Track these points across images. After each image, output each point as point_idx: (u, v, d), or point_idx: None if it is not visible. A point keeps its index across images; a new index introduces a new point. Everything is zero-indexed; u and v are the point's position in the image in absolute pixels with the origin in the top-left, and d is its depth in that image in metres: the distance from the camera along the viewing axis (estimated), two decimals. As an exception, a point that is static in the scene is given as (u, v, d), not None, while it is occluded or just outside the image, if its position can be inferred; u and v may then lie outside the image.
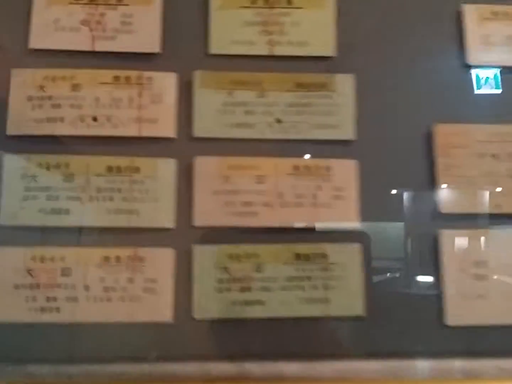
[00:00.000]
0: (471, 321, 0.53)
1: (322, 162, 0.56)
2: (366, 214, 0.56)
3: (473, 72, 0.60)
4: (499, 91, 0.59)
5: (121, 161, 0.55)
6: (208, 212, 0.54)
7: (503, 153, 0.57)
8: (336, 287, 0.54)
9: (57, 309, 0.51)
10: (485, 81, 0.59)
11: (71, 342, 0.52)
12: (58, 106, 0.55)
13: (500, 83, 0.59)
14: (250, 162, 0.56)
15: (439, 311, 0.54)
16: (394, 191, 0.57)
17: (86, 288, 0.52)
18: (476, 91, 0.59)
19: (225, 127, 0.56)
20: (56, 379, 0.51)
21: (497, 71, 0.59)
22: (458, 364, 0.52)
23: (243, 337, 0.53)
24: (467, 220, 0.56)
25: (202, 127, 0.56)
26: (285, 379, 0.52)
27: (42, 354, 0.52)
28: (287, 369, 0.52)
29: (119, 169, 0.54)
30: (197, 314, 0.53)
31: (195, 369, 0.51)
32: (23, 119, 0.55)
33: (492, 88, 0.59)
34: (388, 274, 0.55)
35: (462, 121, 0.58)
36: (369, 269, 0.54)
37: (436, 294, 0.54)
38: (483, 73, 0.60)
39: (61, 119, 0.55)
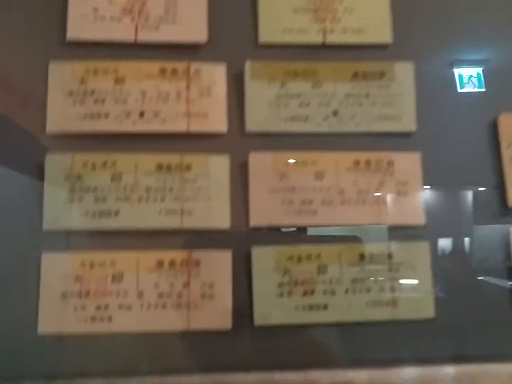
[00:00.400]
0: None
1: (384, 155, 0.53)
2: (430, 209, 0.52)
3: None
4: None
5: (171, 158, 0.51)
6: (265, 211, 0.51)
7: None
8: (403, 289, 0.50)
9: (109, 318, 0.48)
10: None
11: (125, 353, 0.48)
12: (101, 101, 0.51)
13: None
14: (308, 157, 0.52)
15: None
16: (458, 185, 0.53)
17: (140, 294, 0.48)
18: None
19: (279, 120, 0.53)
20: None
21: None
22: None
23: (308, 343, 0.50)
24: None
25: (255, 121, 0.53)
26: (355, 388, 0.48)
27: (93, 368, 0.48)
28: (357, 377, 0.48)
29: (169, 167, 0.51)
30: (258, 320, 0.49)
31: (257, 380, 0.48)
32: (64, 115, 0.51)
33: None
34: (457, 273, 0.51)
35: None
36: (437, 268, 0.51)
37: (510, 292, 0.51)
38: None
39: (106, 115, 0.51)
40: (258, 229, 0.51)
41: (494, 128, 0.54)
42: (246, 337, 0.49)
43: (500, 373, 0.48)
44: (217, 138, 0.52)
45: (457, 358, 0.50)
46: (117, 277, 0.49)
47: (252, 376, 0.48)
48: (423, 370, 0.49)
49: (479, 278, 0.52)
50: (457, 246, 0.53)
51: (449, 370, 0.49)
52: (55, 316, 0.48)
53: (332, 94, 0.54)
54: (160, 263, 0.49)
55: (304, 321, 0.50)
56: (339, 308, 0.50)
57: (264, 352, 0.49)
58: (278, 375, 0.48)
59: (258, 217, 0.51)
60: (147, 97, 0.52)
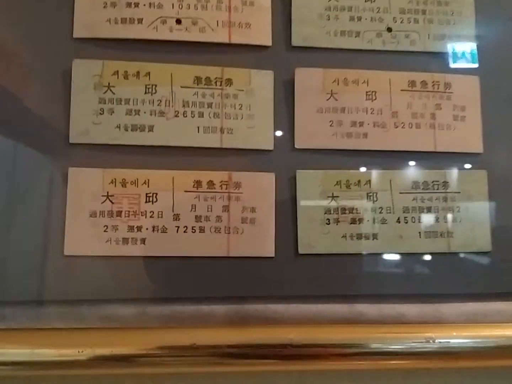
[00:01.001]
0: None
1: (441, 77, 0.48)
2: (488, 136, 0.48)
3: None
4: None
5: (210, 71, 0.46)
6: (311, 132, 0.47)
7: None
8: (458, 219, 0.47)
9: (142, 240, 0.44)
10: None
11: (158, 278, 0.44)
12: (135, 5, 0.46)
13: None
14: (359, 76, 0.48)
15: None
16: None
17: (176, 217, 0.44)
18: None
19: (328, 35, 0.48)
20: (140, 322, 0.43)
21: None
22: None
23: (355, 275, 0.46)
24: None
25: (302, 34, 0.48)
26: (404, 322, 0.45)
27: (123, 294, 0.44)
28: (406, 311, 0.45)
29: (208, 81, 0.46)
30: (302, 248, 0.45)
31: (301, 311, 0.44)
32: (93, 19, 0.46)
33: None
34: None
35: None
36: (494, 199, 0.47)
37: None
38: None
39: (139, 20, 0.46)
40: (303, 151, 0.47)
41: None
42: (290, 266, 0.45)
43: None
44: (260, 51, 0.48)
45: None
46: (151, 197, 0.44)
47: (295, 307, 0.44)
48: (476, 305, 0.46)
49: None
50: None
51: (502, 306, 0.46)
52: (83, 237, 0.43)
53: (385, 8, 0.49)
54: (197, 184, 0.45)
55: (352, 251, 0.46)
56: (389, 238, 0.46)
57: (309, 282, 0.46)
58: (322, 306, 0.44)
59: (304, 139, 0.47)
60: (185, 3, 0.47)
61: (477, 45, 0.50)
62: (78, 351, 0.41)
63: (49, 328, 0.42)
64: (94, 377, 0.44)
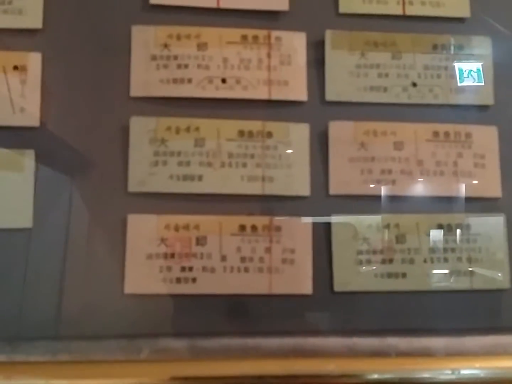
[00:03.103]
0: None
1: (462, 128, 0.53)
2: (507, 183, 0.53)
3: None
4: None
5: (253, 125, 0.51)
6: (344, 180, 0.52)
7: None
8: (479, 260, 0.51)
9: (193, 280, 0.49)
10: None
11: (208, 314, 0.49)
12: (185, 66, 0.52)
13: None
14: (387, 128, 0.53)
15: None
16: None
17: (223, 258, 0.49)
18: None
19: (358, 90, 0.53)
20: (192, 355, 0.48)
21: None
22: None
23: (386, 310, 0.50)
24: None
25: (335, 90, 0.53)
26: (432, 355, 0.49)
27: (177, 328, 0.49)
28: (433, 345, 0.49)
29: (251, 134, 0.51)
30: (337, 286, 0.50)
31: (336, 344, 0.49)
32: (147, 79, 0.51)
33: None
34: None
35: None
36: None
37: None
38: None
39: (189, 80, 0.51)
40: (337, 197, 0.51)
41: None
42: (326, 303, 0.50)
43: None
44: (297, 106, 0.53)
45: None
46: (200, 240, 0.49)
47: (332, 340, 0.49)
48: (498, 338, 0.50)
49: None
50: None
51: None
52: (141, 277, 0.48)
53: (411, 65, 0.54)
54: (242, 228, 0.50)
55: (382, 288, 0.50)
56: (417, 277, 0.50)
57: (343, 318, 0.50)
58: (356, 340, 0.49)
59: (338, 186, 0.52)
60: (229, 64, 0.52)
61: (495, 97, 0.54)
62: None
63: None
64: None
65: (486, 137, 0.53)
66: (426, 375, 0.48)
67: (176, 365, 0.48)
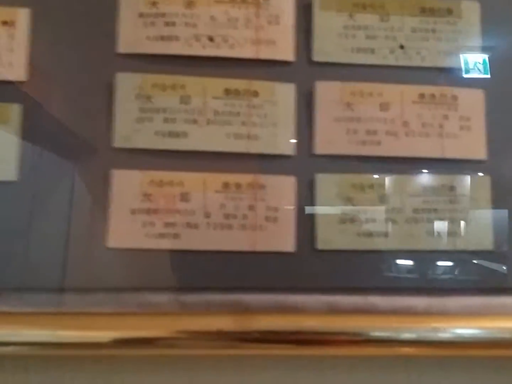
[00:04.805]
0: None
1: (448, 90, 0.53)
2: (493, 145, 0.53)
3: None
4: None
5: (239, 84, 0.52)
6: (329, 139, 0.52)
7: None
8: (463, 221, 0.51)
9: (176, 235, 0.49)
10: None
11: (191, 270, 0.49)
12: (172, 24, 0.52)
13: None
14: (374, 89, 0.53)
15: None
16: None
17: (207, 214, 0.49)
18: None
19: (345, 51, 0.53)
20: (170, 307, 0.48)
21: None
22: None
23: (368, 269, 0.51)
24: None
25: (322, 51, 0.53)
26: (412, 313, 0.49)
27: (159, 283, 0.49)
28: (416, 303, 0.49)
29: (237, 92, 0.51)
30: (320, 245, 0.50)
31: (319, 301, 0.49)
32: (135, 36, 0.51)
33: None
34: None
35: None
36: (496, 202, 0.52)
37: None
38: None
39: (176, 38, 0.51)
40: (322, 157, 0.52)
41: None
42: (309, 261, 0.50)
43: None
44: (284, 66, 0.53)
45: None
46: (184, 197, 0.49)
47: (314, 298, 0.49)
48: (481, 299, 0.50)
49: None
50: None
51: (507, 300, 0.50)
52: (125, 231, 0.49)
53: (399, 28, 0.54)
54: (226, 185, 0.50)
55: (365, 247, 0.50)
56: (399, 236, 0.51)
57: (326, 276, 0.50)
58: (339, 298, 0.49)
59: (323, 145, 0.52)
60: (216, 22, 0.52)
61: (483, 59, 0.54)
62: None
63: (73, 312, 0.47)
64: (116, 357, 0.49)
65: (472, 100, 0.53)
66: (407, 333, 0.48)
67: (161, 318, 0.48)
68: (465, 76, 0.54)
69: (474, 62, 0.53)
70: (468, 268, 0.51)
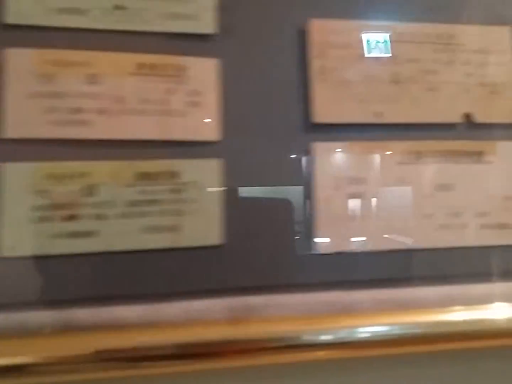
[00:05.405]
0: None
1: (175, 60, 0.45)
2: (227, 124, 0.45)
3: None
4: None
5: None
6: (22, 120, 0.42)
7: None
8: (189, 212, 0.43)
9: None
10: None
11: None
12: None
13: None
14: (79, 57, 0.43)
15: (307, 237, 0.45)
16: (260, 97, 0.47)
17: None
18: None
19: (48, 11, 0.44)
20: None
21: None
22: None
23: (72, 277, 0.41)
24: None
25: (17, 11, 0.43)
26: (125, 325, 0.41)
27: None
28: (126, 314, 0.41)
29: None
30: (7, 251, 0.40)
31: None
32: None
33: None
34: (251, 196, 0.45)
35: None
36: (230, 191, 0.44)
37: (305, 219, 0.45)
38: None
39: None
40: (12, 142, 0.42)
41: (301, 36, 0.47)
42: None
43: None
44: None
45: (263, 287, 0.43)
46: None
47: None
48: (210, 302, 0.42)
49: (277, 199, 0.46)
50: (252, 166, 0.46)
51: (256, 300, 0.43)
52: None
53: (115, -17, 0.45)
54: None
55: (65, 251, 0.41)
56: (109, 235, 0.42)
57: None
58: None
59: (13, 127, 0.42)
60: None
61: (218, 26, 0.46)
62: None
63: None
64: None
65: (204, 71, 0.45)
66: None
67: None
68: (198, 42, 0.45)
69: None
70: (193, 267, 0.43)
